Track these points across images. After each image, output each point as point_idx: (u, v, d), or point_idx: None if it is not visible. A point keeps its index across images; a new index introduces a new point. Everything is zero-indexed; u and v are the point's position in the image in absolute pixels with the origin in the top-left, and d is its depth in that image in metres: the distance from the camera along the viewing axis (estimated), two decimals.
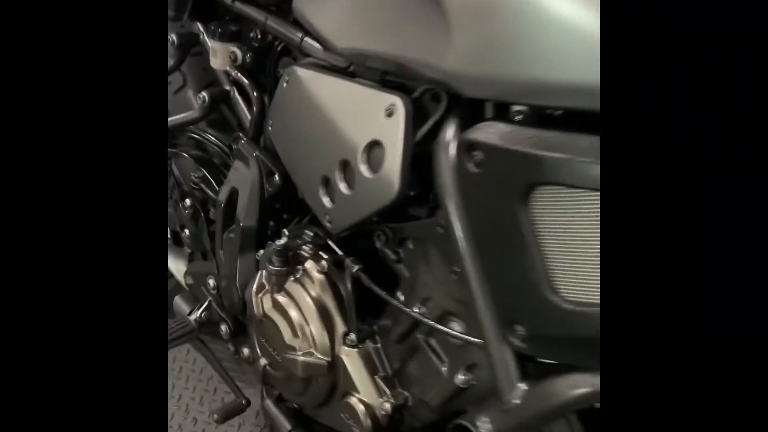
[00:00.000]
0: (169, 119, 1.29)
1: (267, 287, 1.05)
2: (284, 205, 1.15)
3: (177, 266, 1.44)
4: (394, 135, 0.82)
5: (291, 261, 1.03)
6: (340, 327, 0.99)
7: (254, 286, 1.07)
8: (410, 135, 0.81)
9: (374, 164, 0.85)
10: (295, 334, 1.01)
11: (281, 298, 1.02)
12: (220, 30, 1.16)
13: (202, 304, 1.30)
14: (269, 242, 1.12)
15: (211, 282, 1.27)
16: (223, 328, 1.27)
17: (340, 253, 0.99)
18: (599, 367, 0.51)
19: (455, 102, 0.78)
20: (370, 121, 0.85)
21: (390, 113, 0.82)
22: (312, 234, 1.03)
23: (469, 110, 0.76)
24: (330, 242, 1.01)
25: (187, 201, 1.27)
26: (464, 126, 0.75)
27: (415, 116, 0.81)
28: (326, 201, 0.94)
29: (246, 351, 1.27)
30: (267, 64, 1.16)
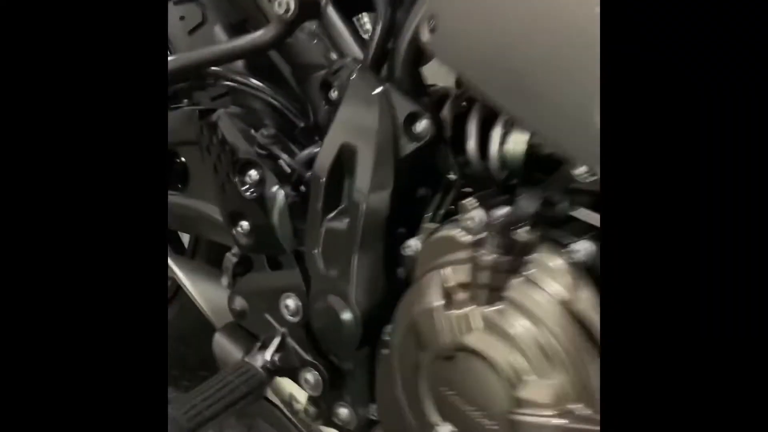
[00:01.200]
0: (224, 45, 0.83)
1: (462, 296, 0.61)
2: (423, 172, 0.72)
3: (201, 290, 0.95)
4: None
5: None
6: None
7: (432, 295, 0.62)
8: None
9: None
10: (540, 376, 0.56)
11: (503, 314, 0.58)
12: None
13: (270, 341, 0.82)
14: (425, 227, 0.69)
15: (291, 303, 0.79)
16: (310, 376, 0.80)
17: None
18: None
19: None
20: None
21: None
22: (539, 204, 0.59)
23: None
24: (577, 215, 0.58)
25: (252, 173, 0.79)
26: None
27: None
28: None
29: (345, 412, 0.81)
30: None
